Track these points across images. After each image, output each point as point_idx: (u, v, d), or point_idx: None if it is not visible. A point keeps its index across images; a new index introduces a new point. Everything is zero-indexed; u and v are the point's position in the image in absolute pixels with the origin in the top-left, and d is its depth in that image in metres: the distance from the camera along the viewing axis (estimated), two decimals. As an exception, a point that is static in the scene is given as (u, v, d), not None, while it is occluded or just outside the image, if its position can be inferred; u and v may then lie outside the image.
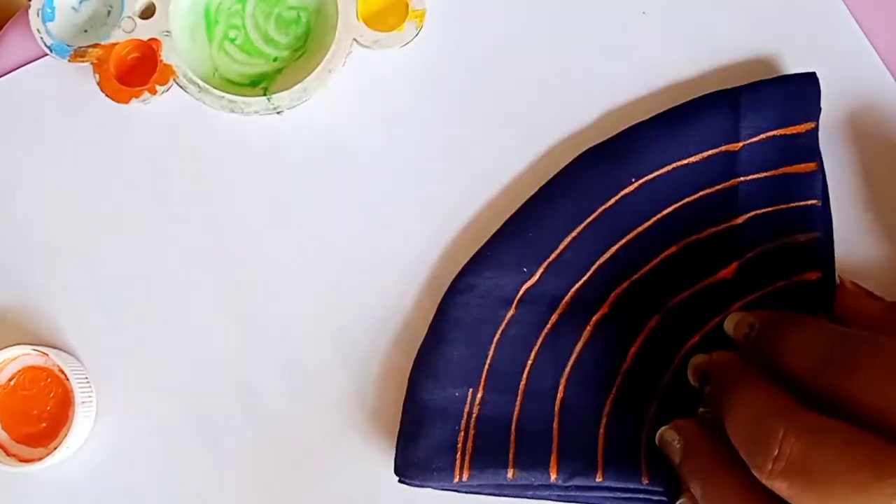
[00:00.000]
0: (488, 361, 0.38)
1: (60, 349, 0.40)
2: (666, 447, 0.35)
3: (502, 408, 0.37)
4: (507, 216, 0.39)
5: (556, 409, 0.37)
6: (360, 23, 0.39)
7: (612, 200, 0.38)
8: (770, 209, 0.37)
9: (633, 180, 0.38)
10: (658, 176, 0.38)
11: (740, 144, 0.38)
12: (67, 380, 0.38)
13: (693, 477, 0.34)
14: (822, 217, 0.38)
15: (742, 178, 0.38)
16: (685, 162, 0.38)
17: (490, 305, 0.38)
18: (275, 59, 0.41)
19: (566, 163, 0.39)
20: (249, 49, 0.41)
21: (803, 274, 0.37)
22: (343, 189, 0.40)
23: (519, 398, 0.37)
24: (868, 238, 0.39)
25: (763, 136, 0.38)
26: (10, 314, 0.40)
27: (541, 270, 0.38)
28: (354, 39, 0.39)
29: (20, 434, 0.38)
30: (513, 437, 0.37)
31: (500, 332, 0.38)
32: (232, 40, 0.41)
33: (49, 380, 0.39)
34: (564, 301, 0.38)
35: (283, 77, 0.40)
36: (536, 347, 0.38)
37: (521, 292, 0.38)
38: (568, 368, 0.38)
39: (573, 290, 0.38)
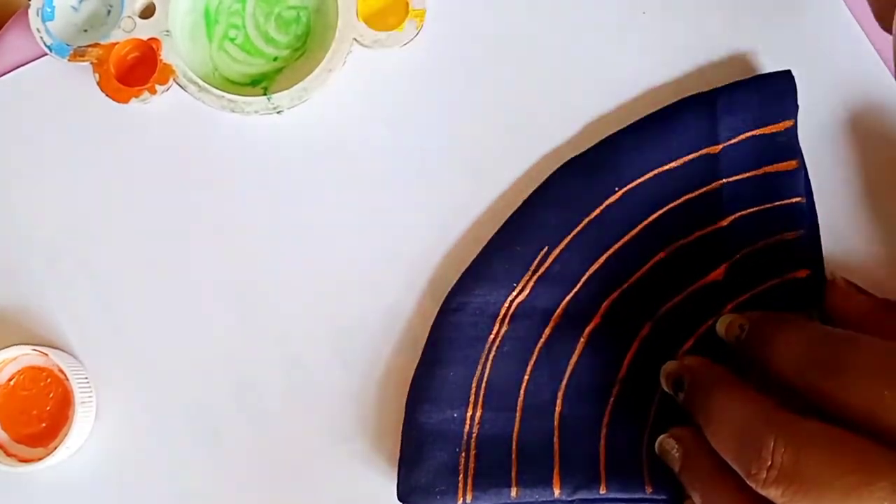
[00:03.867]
0: (485, 380, 0.37)
1: (60, 349, 0.39)
2: (665, 456, 0.35)
3: (502, 426, 0.37)
4: (509, 215, 0.39)
5: (556, 423, 0.37)
6: (361, 22, 0.39)
7: (597, 211, 0.38)
8: (755, 209, 0.37)
9: (617, 189, 0.38)
10: (641, 183, 0.38)
11: (720, 146, 0.37)
12: (67, 380, 0.38)
13: (692, 485, 0.33)
14: (808, 214, 0.37)
15: (725, 180, 0.37)
16: (667, 167, 0.38)
17: (482, 323, 0.38)
18: (275, 59, 0.40)
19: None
20: (249, 48, 0.41)
21: (793, 272, 0.37)
22: (343, 189, 0.40)
23: (518, 415, 0.37)
24: (864, 236, 0.39)
25: (742, 136, 0.37)
26: (9, 314, 0.40)
27: (530, 285, 0.38)
28: (354, 39, 0.39)
29: (20, 434, 0.38)
30: (514, 454, 0.37)
31: (494, 349, 0.37)
32: (232, 40, 0.41)
33: (49, 380, 0.39)
34: (556, 314, 0.38)
35: (283, 77, 0.40)
36: (532, 362, 0.37)
37: (512, 307, 0.38)
38: (564, 382, 0.37)
39: (564, 302, 0.38)
